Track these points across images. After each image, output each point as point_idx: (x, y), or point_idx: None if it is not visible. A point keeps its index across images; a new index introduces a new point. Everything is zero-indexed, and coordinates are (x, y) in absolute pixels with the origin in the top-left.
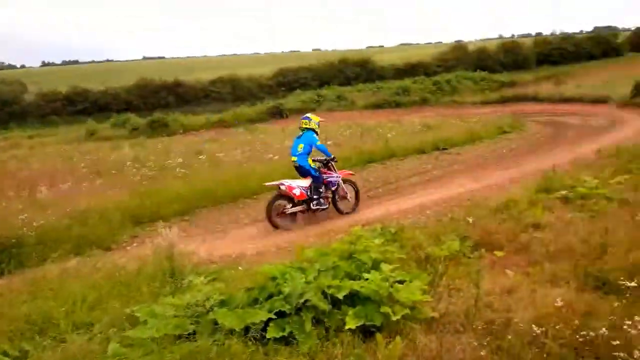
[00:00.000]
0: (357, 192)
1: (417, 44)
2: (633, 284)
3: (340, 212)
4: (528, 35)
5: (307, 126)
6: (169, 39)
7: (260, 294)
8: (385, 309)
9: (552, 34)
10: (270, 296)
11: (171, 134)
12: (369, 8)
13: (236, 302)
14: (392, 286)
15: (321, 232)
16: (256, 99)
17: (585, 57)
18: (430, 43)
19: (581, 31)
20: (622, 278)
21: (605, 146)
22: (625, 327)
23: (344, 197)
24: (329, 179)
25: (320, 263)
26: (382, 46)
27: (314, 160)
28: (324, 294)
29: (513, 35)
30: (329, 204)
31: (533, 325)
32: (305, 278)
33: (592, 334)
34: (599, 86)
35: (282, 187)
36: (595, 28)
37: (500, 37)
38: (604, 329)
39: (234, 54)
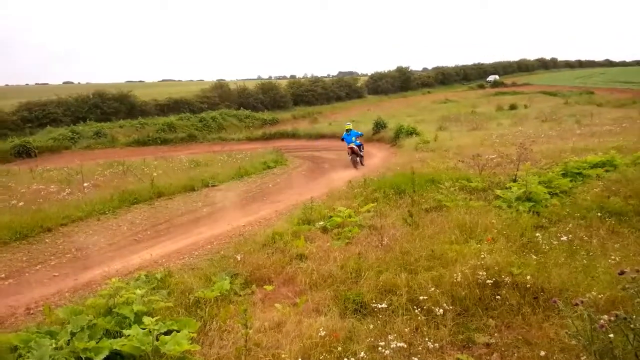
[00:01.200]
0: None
1: (179, 80)
2: (384, 305)
3: (362, 165)
4: (284, 78)
5: (349, 127)
6: None
7: None
8: None
9: (304, 77)
10: None
11: None
12: (129, 41)
13: None
14: (157, 339)
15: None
16: None
17: (333, 98)
18: (192, 80)
19: (328, 75)
20: (374, 300)
21: (355, 178)
22: (380, 348)
23: (363, 157)
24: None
25: (73, 324)
26: (143, 81)
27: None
28: (80, 359)
29: (270, 77)
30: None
31: (299, 359)
32: (55, 343)
33: (352, 359)
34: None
35: (353, 146)
36: (340, 73)
37: (259, 77)
38: (363, 352)
39: None
